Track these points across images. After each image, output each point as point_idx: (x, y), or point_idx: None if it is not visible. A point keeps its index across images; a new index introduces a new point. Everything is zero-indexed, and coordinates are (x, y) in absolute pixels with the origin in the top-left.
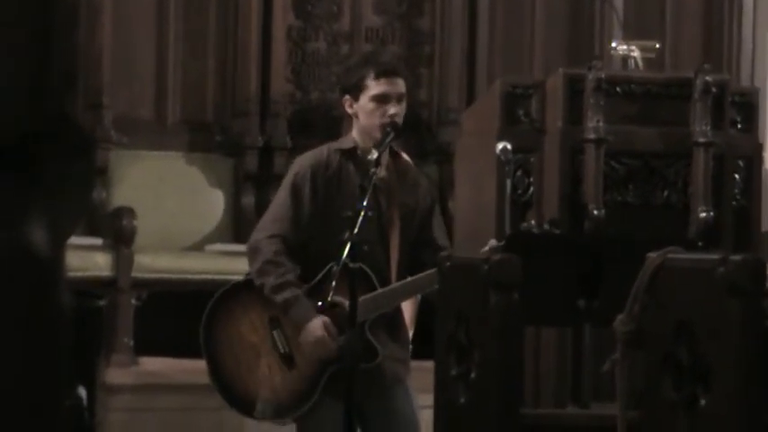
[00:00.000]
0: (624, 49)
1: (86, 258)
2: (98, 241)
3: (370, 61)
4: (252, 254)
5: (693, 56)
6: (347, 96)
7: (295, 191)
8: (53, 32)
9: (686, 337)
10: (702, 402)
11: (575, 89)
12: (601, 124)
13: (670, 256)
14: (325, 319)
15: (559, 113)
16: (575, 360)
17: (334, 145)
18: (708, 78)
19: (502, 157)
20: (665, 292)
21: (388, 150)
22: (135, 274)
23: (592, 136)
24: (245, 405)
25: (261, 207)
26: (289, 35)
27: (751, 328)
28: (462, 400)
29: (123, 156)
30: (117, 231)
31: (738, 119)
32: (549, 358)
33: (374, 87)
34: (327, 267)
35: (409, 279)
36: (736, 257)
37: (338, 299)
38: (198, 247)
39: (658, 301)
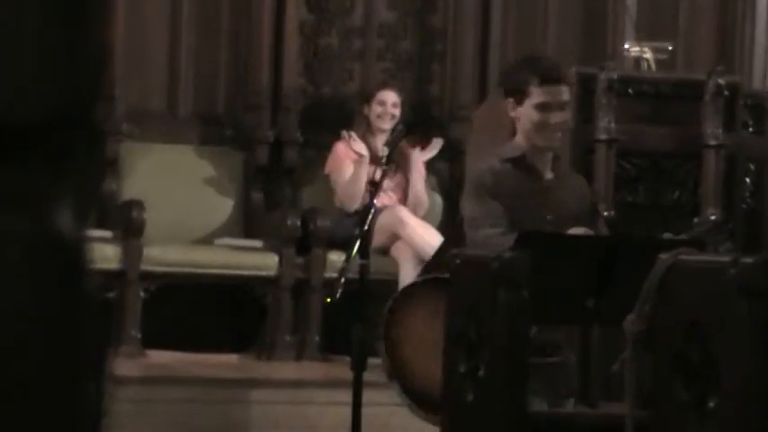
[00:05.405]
0: (637, 51)
1: (95, 250)
2: (107, 233)
3: (534, 66)
4: None
5: (706, 56)
6: (510, 99)
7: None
8: (87, 21)
9: (696, 337)
10: (712, 403)
11: (587, 89)
12: (612, 124)
13: (681, 256)
14: None
15: (571, 113)
16: (583, 359)
17: (503, 153)
18: (720, 81)
19: None
20: (676, 293)
21: (550, 153)
22: (144, 266)
23: (603, 136)
24: (424, 401)
25: (270, 201)
26: (301, 30)
27: (761, 329)
28: (470, 397)
29: (134, 148)
30: (126, 223)
31: (750, 121)
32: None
33: (537, 95)
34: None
35: None
36: (747, 259)
37: None
38: (207, 240)
39: (669, 302)
